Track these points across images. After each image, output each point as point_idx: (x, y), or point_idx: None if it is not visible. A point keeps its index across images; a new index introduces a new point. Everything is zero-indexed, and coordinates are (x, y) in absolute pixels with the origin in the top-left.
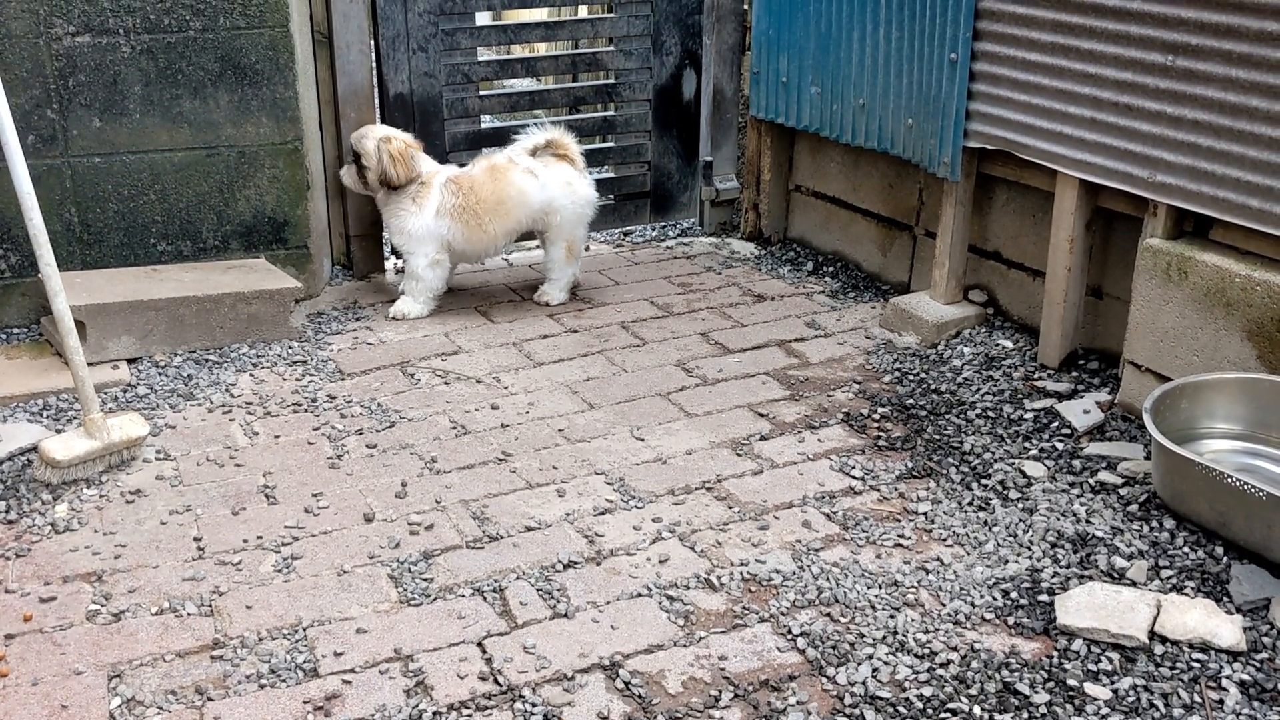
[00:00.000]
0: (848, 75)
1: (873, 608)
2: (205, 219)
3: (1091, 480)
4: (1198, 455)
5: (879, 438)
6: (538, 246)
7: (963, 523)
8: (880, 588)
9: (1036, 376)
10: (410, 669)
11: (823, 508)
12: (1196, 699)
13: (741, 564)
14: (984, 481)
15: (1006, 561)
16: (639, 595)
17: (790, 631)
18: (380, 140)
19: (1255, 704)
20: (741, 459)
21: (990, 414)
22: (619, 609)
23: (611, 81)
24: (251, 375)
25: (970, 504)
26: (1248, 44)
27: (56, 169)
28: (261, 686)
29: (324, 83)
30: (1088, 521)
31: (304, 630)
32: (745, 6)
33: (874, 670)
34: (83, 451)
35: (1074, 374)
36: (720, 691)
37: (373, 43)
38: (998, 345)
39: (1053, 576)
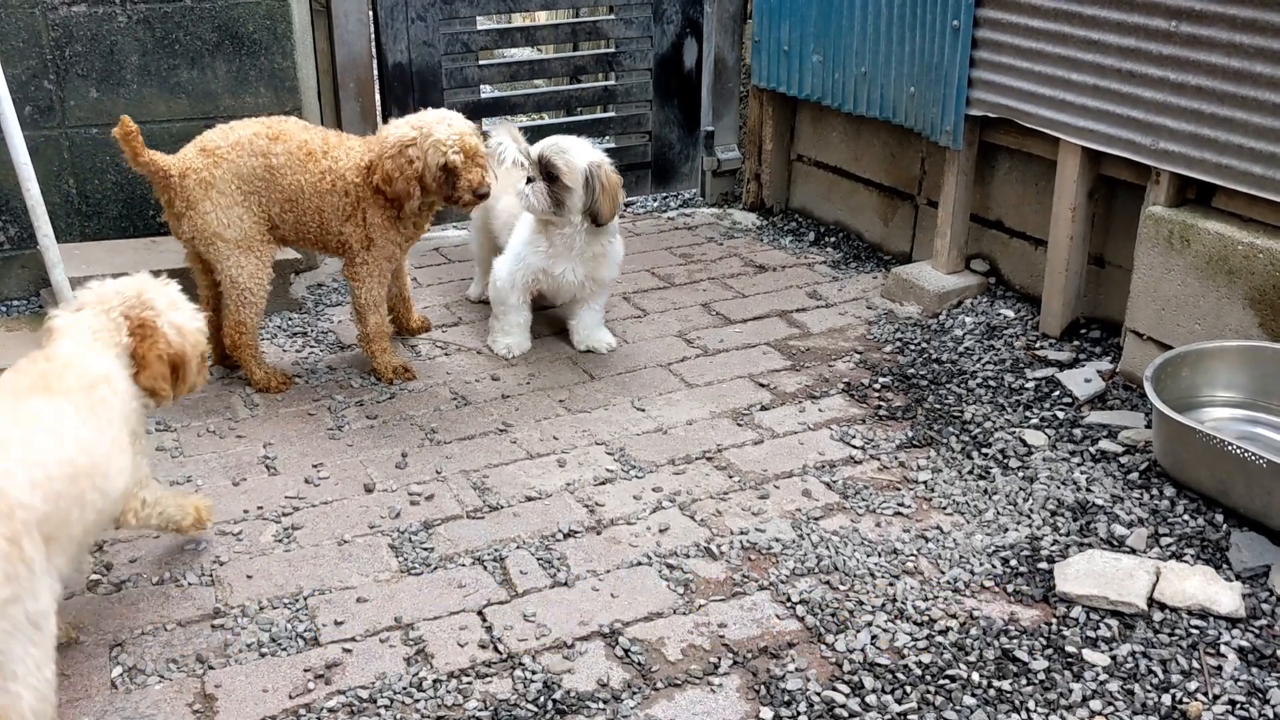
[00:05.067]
0: (849, 43)
1: (872, 575)
2: None
3: (1092, 449)
4: (1198, 423)
5: (880, 407)
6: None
7: (963, 491)
8: (880, 556)
9: (1038, 345)
10: (410, 637)
11: (823, 477)
12: (1195, 665)
13: (741, 533)
14: (984, 450)
15: (1006, 530)
16: (639, 564)
17: (790, 599)
18: (593, 165)
19: (1254, 670)
20: (742, 429)
21: (991, 383)
22: (619, 577)
23: (612, 50)
24: None
25: (970, 473)
26: (1252, 9)
27: (54, 140)
28: (262, 655)
29: (322, 53)
30: (1088, 489)
31: (304, 599)
32: None
33: (873, 637)
34: None
35: (1075, 343)
36: (720, 658)
37: (371, 12)
38: (999, 314)
39: (1052, 544)
